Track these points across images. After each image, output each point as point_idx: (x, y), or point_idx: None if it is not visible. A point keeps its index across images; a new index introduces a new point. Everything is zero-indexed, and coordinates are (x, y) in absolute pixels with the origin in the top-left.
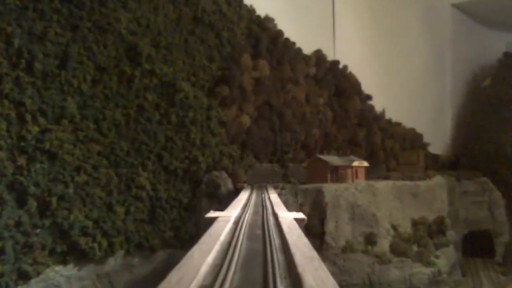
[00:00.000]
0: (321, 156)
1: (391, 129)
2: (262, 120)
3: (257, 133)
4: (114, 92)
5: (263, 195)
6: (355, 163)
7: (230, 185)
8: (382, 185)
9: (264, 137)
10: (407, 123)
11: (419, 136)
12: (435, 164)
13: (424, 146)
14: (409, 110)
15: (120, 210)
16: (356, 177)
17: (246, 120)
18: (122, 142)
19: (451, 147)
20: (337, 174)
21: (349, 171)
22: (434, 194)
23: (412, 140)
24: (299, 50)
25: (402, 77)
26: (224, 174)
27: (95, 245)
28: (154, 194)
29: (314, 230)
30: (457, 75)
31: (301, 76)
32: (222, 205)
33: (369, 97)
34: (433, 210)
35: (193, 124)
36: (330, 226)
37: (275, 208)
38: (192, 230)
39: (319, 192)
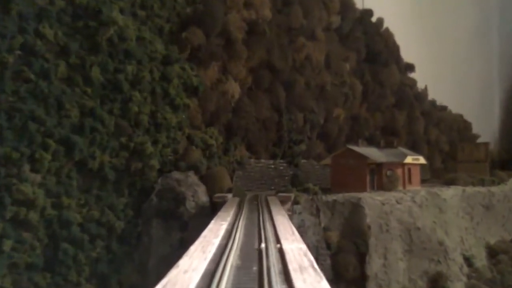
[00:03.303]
0: (355, 148)
1: (436, 115)
2: (260, 91)
3: (251, 110)
4: None
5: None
6: (409, 159)
7: (203, 198)
8: (449, 194)
9: (263, 117)
10: (453, 107)
11: (468, 125)
12: None
13: (473, 138)
14: (454, 91)
15: None
16: (410, 181)
17: (233, 89)
18: None
19: (498, 140)
20: (381, 177)
21: (400, 171)
22: (510, 205)
23: (459, 130)
24: None
25: (445, 48)
26: (193, 178)
27: None
28: (56, 215)
29: (348, 272)
30: (505, 53)
31: (319, 27)
32: (188, 233)
33: (410, 67)
34: (508, 229)
35: (137, 86)
36: (375, 264)
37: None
38: (132, 280)
39: (356, 208)
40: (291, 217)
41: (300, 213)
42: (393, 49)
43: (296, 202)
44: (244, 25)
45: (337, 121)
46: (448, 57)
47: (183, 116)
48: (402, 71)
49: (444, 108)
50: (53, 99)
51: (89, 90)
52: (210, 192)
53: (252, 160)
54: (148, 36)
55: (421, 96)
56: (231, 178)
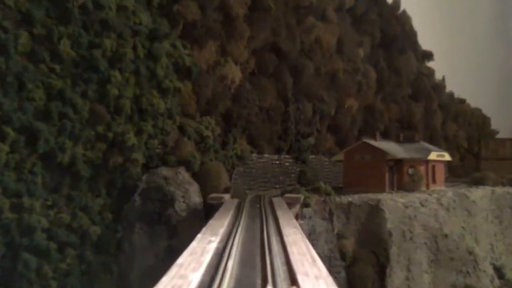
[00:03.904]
0: (372, 142)
1: (454, 108)
2: (263, 77)
3: (254, 98)
4: None
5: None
6: (433, 155)
7: (196, 198)
8: (478, 195)
9: (267, 106)
10: (471, 101)
11: (487, 120)
12: None
13: (492, 134)
14: (472, 84)
15: None
16: (434, 180)
17: (233, 73)
18: None
19: None
20: (402, 175)
21: (423, 169)
22: None
23: (477, 125)
24: None
25: (463, 37)
26: (184, 175)
27: None
28: (16, 219)
29: (366, 287)
30: None
31: (331, 7)
32: (177, 240)
33: (428, 55)
34: None
35: (116, 65)
36: (396, 277)
37: None
38: None
39: (375, 212)
40: (301, 222)
41: (310, 217)
42: (410, 34)
43: (305, 205)
44: (248, 0)
45: (349, 113)
46: (466, 47)
47: (174, 102)
48: (419, 60)
49: (462, 101)
50: (12, 77)
51: (57, 67)
52: (204, 191)
53: (254, 155)
54: (132, 5)
55: (439, 87)
56: (230, 176)
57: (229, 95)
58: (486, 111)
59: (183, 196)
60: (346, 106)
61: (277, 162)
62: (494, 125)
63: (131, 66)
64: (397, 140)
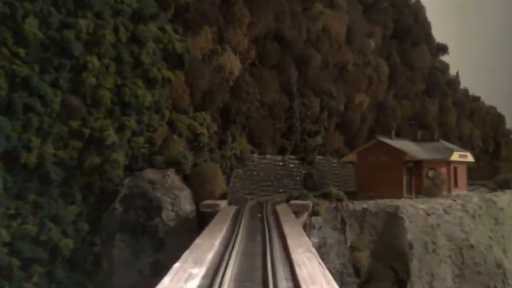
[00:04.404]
0: (388, 141)
1: (469, 106)
2: (265, 69)
3: (255, 92)
4: None
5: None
6: (455, 156)
7: (186, 206)
8: (505, 201)
9: (269, 101)
10: (485, 98)
11: (502, 119)
12: None
13: (507, 133)
14: (486, 80)
15: None
16: (456, 183)
17: (232, 63)
18: None
19: None
20: (421, 178)
21: (444, 171)
22: None
23: (492, 124)
24: None
25: (478, 31)
26: (174, 178)
27: None
28: None
29: None
30: None
31: None
32: (164, 254)
33: (443, 49)
34: None
35: (94, 49)
36: None
37: None
38: None
39: (393, 220)
40: (309, 234)
41: (320, 227)
42: (424, 25)
43: (314, 213)
44: None
45: (359, 109)
46: (479, 41)
47: (162, 93)
48: (433, 53)
49: (476, 99)
50: None
51: (21, 51)
52: (197, 198)
53: (255, 156)
54: None
55: (454, 83)
56: (227, 179)
57: (227, 88)
58: (500, 109)
59: (171, 203)
60: (356, 102)
61: (280, 163)
62: (508, 124)
63: (111, 51)
64: (413, 139)
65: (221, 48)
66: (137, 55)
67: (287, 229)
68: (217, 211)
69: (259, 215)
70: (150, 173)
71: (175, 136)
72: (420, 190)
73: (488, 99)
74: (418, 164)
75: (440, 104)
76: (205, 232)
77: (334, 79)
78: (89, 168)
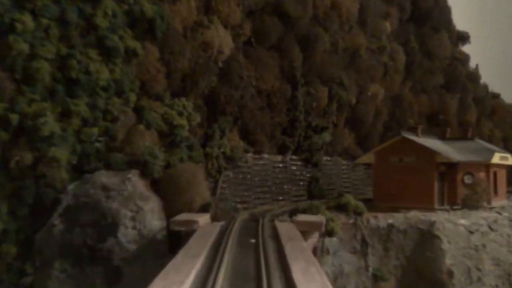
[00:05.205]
0: (416, 139)
1: (489, 103)
2: (263, 49)
3: (250, 76)
4: None
5: None
6: (496, 158)
7: (153, 222)
8: None
9: (268, 88)
10: (504, 95)
11: None
12: None
13: None
14: (507, 76)
15: None
16: (495, 191)
17: (221, 40)
18: None
19: None
20: (456, 185)
21: (483, 176)
22: None
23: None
24: None
25: (498, 21)
26: (136, 183)
27: None
28: None
29: None
30: None
31: None
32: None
33: (463, 38)
34: None
35: (26, 6)
36: None
37: None
38: None
39: (427, 240)
40: (321, 261)
41: (336, 252)
42: (444, 9)
43: (329, 233)
44: None
45: (373, 102)
46: (500, 32)
47: (129, 73)
48: (453, 42)
49: (496, 96)
50: None
51: None
52: (169, 210)
53: (249, 155)
54: None
55: (474, 77)
56: (214, 184)
57: (214, 70)
58: None
59: (132, 218)
60: (369, 94)
61: (280, 165)
62: None
63: (52, 8)
64: (441, 136)
65: (207, 20)
66: (89, 16)
67: (296, 273)
68: (194, 231)
69: (253, 240)
70: (104, 176)
71: (142, 128)
72: (454, 200)
73: (508, 97)
74: (451, 167)
75: (461, 99)
76: (157, 280)
77: (344, 65)
78: (18, 168)
